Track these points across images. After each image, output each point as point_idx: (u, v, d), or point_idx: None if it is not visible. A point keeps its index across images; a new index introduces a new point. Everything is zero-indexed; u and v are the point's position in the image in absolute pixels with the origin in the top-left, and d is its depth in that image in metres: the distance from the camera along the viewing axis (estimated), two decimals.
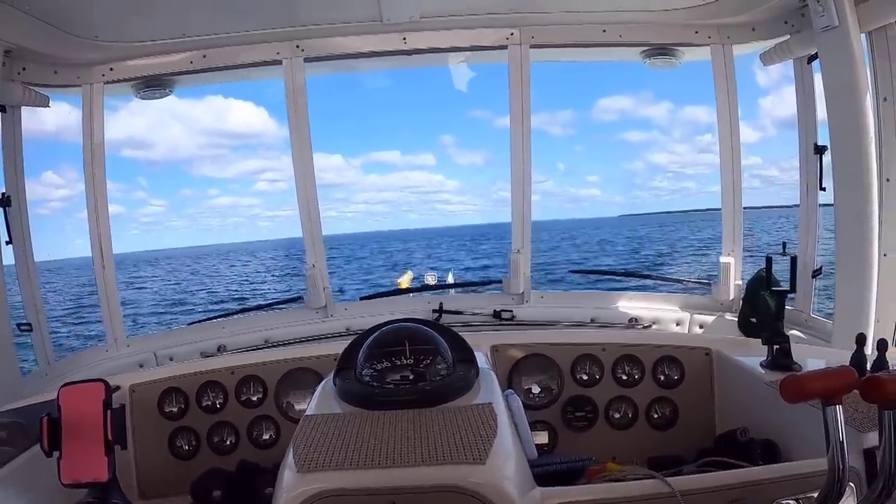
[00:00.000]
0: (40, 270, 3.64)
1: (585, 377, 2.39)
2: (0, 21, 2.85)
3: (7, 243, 3.33)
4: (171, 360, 3.70)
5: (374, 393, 1.62)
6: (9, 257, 3.35)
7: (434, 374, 1.67)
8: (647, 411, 2.37)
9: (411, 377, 1.65)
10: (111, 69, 3.56)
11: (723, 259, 3.89)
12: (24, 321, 3.49)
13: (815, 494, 1.29)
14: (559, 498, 1.38)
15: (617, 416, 2.38)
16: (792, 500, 1.39)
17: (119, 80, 3.65)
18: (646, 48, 3.80)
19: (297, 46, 3.66)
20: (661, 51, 3.79)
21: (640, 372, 2.38)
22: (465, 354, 1.82)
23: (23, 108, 3.39)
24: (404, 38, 3.65)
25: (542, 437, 2.34)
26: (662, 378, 2.37)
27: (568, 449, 2.32)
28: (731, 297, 3.85)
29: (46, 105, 3.46)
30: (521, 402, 1.79)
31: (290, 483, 1.29)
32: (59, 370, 3.48)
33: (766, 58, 3.51)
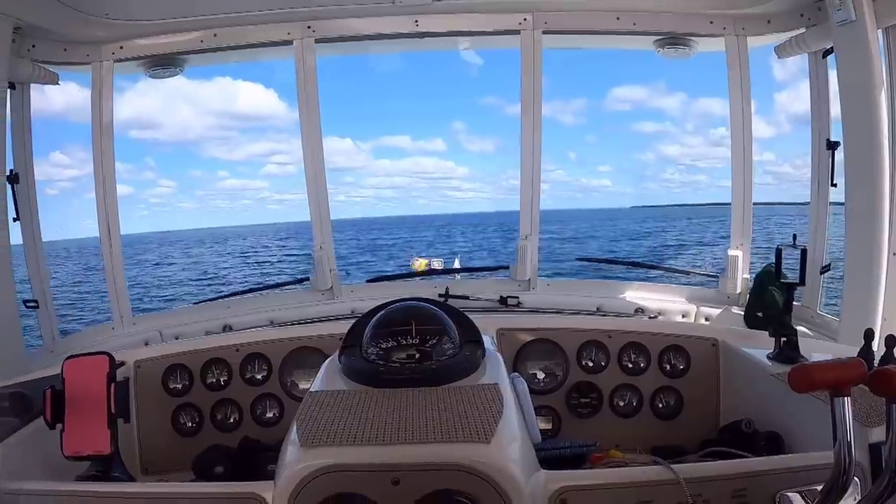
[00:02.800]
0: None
1: (591, 364, 2.39)
2: None
3: (14, 220, 3.33)
4: (176, 338, 3.70)
5: (379, 371, 1.62)
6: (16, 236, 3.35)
7: (440, 354, 1.67)
8: (651, 400, 2.36)
9: (417, 356, 1.65)
10: (121, 47, 3.53)
11: (731, 252, 3.85)
12: (31, 298, 3.51)
13: (819, 488, 1.28)
14: (564, 481, 1.38)
15: (621, 403, 2.38)
16: (796, 492, 1.38)
17: (129, 59, 3.62)
18: (659, 37, 3.75)
19: (309, 27, 3.63)
20: (674, 40, 3.73)
21: (645, 360, 2.37)
22: (472, 335, 1.82)
23: (32, 85, 3.38)
24: (416, 21, 3.62)
25: (546, 423, 2.35)
26: (668, 367, 2.36)
27: (571, 435, 2.31)
28: (738, 291, 3.82)
29: (56, 82, 3.44)
30: (526, 386, 1.79)
31: (294, 457, 1.29)
32: (64, 347, 3.47)
33: (781, 51, 3.47)
